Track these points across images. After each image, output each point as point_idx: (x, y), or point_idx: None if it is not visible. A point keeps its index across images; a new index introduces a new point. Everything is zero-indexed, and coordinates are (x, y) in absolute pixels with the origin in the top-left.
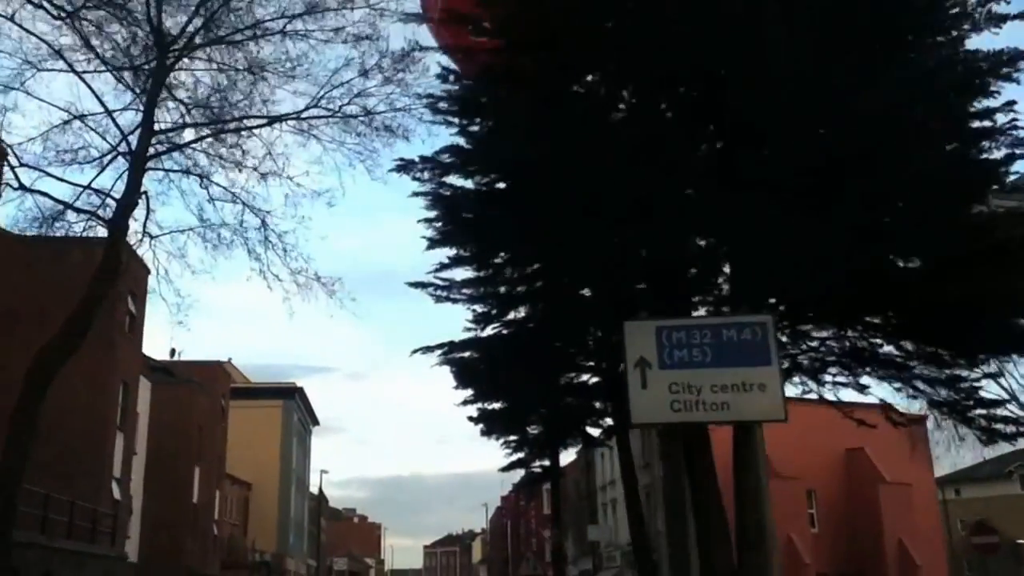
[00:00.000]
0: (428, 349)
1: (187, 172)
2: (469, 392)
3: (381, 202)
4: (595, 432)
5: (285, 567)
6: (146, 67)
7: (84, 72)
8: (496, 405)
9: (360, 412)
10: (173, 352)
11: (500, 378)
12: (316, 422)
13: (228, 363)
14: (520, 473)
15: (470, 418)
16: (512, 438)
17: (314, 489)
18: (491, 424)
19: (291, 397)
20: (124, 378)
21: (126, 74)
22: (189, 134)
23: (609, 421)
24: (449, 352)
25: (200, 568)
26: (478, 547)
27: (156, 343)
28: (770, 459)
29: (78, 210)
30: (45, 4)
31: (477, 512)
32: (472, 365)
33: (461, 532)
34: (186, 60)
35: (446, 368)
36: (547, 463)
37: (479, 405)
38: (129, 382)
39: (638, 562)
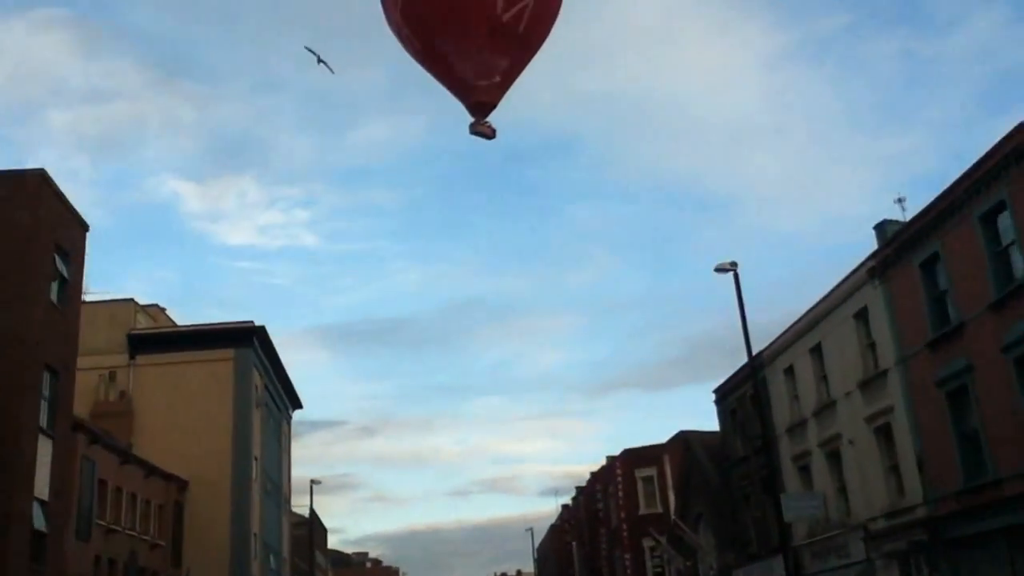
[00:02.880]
0: None
1: None
2: None
3: (389, 251)
4: None
5: None
6: None
7: None
8: None
9: (372, 468)
10: None
11: None
12: (297, 403)
13: (156, 308)
14: None
15: None
16: None
17: (301, 509)
18: None
19: (247, 343)
20: None
21: None
22: None
23: None
24: None
25: None
26: None
27: None
28: None
29: None
30: None
31: (506, 561)
32: None
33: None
34: None
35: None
36: None
37: None
38: None
39: None
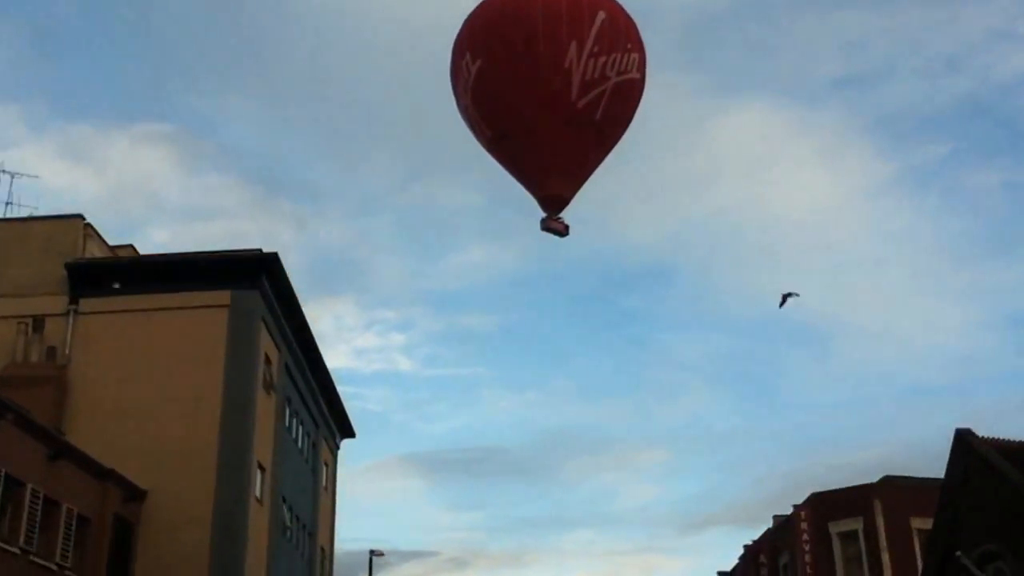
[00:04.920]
0: None
1: None
2: None
3: (483, 377)
4: None
5: None
6: None
7: None
8: None
9: None
10: None
11: None
12: (346, 426)
13: (130, 249)
14: None
15: None
16: None
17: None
18: None
19: (250, 282)
20: None
21: None
22: None
23: None
24: None
25: None
26: None
27: None
28: None
29: None
30: None
31: None
32: None
33: None
34: None
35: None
36: None
37: None
38: None
39: None
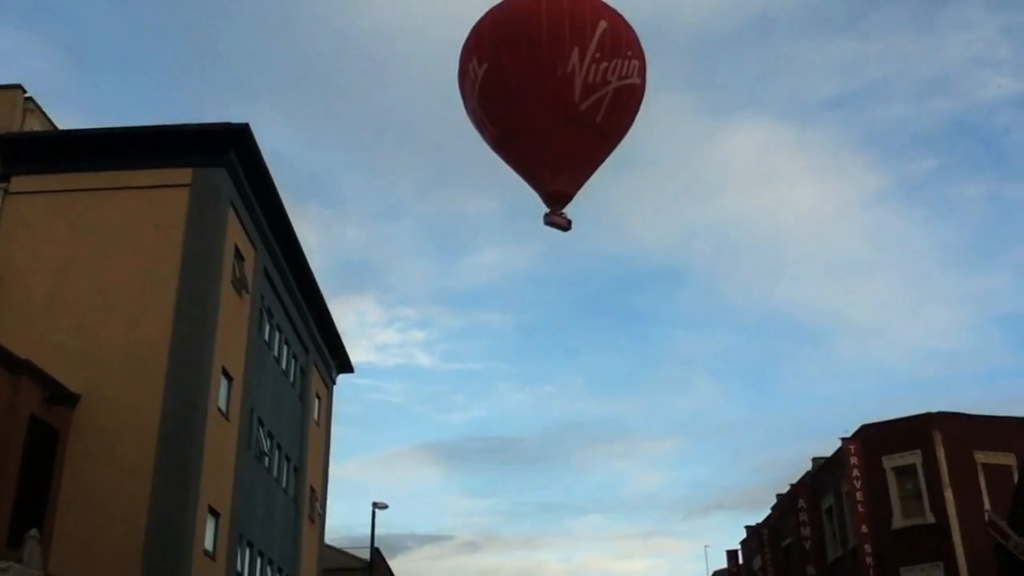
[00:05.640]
0: None
1: None
2: None
3: (499, 372)
4: None
5: None
6: None
7: None
8: None
9: None
10: None
11: None
12: (342, 359)
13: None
14: None
15: None
16: None
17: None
18: None
19: (216, 158)
20: None
21: None
22: None
23: None
24: None
25: None
26: None
27: None
28: None
29: None
30: None
31: None
32: None
33: None
34: None
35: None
36: None
37: None
38: None
39: None
